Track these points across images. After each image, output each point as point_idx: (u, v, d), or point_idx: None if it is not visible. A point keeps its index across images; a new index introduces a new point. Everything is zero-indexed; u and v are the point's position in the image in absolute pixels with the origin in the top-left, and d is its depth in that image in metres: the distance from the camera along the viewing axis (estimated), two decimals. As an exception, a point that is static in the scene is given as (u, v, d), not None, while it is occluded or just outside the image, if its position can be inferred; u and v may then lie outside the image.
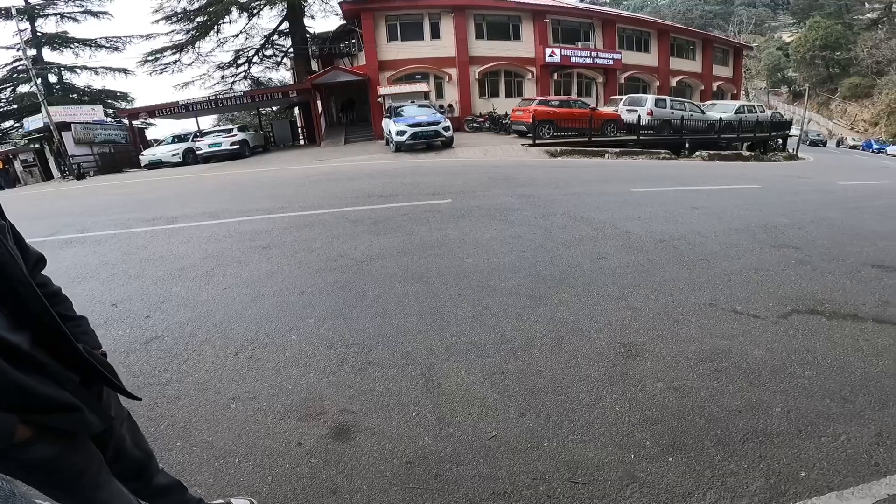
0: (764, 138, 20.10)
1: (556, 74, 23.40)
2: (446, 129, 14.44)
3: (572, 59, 22.73)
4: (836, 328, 3.00)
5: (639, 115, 16.51)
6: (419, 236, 4.99)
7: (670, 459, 1.89)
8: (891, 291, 3.63)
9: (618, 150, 14.99)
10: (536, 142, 15.11)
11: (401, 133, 14.00)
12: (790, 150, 21.08)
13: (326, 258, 4.37)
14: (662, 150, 15.66)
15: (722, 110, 19.19)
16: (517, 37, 22.54)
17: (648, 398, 2.28)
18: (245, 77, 28.58)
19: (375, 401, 2.30)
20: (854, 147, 35.74)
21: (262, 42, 27.12)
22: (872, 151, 31.81)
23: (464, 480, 1.81)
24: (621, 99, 18.58)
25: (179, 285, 3.84)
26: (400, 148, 14.25)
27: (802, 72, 48.54)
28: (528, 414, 2.17)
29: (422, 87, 20.12)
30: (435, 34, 21.46)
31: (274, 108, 29.87)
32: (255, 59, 27.99)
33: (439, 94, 21.92)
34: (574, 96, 22.17)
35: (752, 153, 18.30)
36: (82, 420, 0.99)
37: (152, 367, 2.65)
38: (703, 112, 18.75)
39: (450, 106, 21.74)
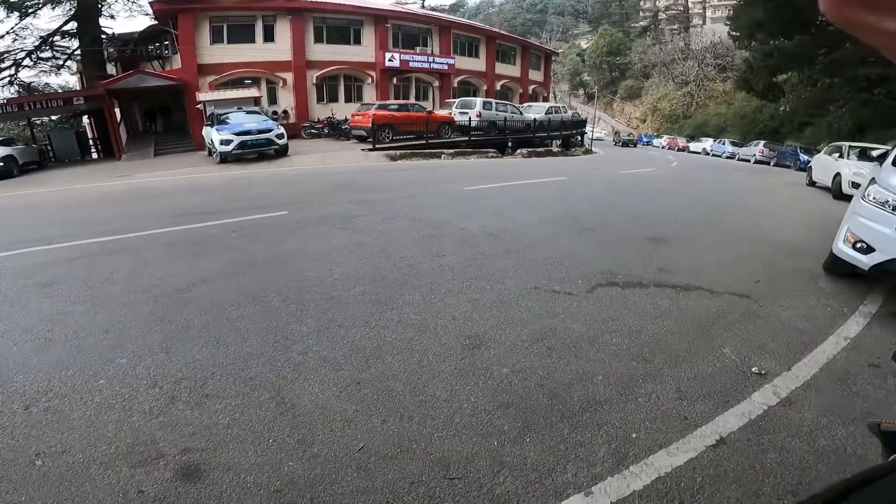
0: (567, 136, 23.33)
1: (395, 79, 23.80)
2: (280, 136, 13.60)
3: (411, 64, 23.40)
4: (629, 296, 3.58)
5: (469, 118, 17.65)
6: (251, 254, 4.54)
7: (528, 440, 1.99)
8: (663, 259, 4.51)
9: (452, 151, 15.93)
10: (376, 146, 15.18)
11: (226, 142, 12.72)
12: (587, 146, 25.00)
13: (134, 289, 3.67)
14: (491, 150, 17.14)
15: (536, 111, 21.49)
16: (358, 41, 22.34)
17: (497, 384, 2.40)
18: (11, 82, 22.67)
19: (222, 434, 2.03)
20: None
21: (37, 43, 21.85)
22: (644, 144, 38.90)
23: (341, 498, 1.71)
24: (454, 102, 19.52)
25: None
26: (226, 159, 12.95)
27: (594, 75, 58.01)
28: (391, 419, 2.13)
29: (251, 92, 18.67)
30: (269, 37, 20.05)
31: (53, 118, 24.29)
32: (27, 61, 22.41)
33: (272, 100, 20.55)
34: (412, 100, 22.75)
35: (561, 149, 21.28)
36: None
37: None
38: (521, 113, 20.77)
39: (284, 112, 20.50)
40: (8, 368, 2.55)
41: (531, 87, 32.94)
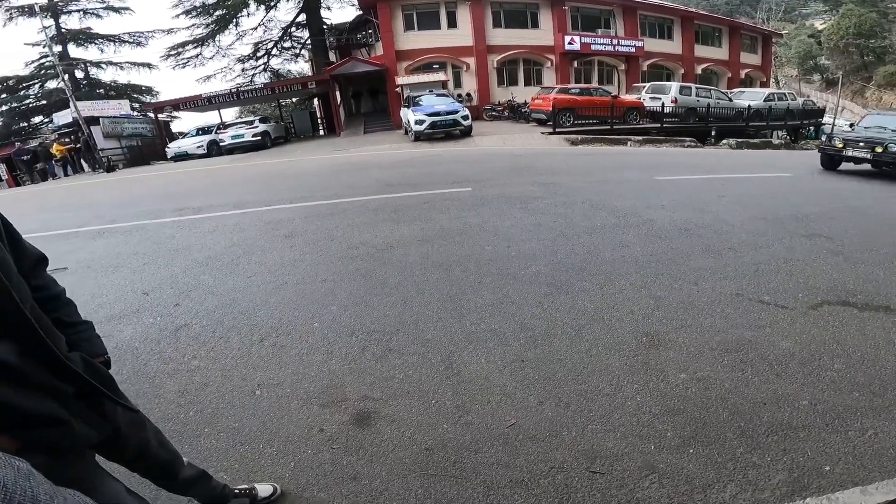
0: (795, 126, 19.39)
1: (576, 62, 22.90)
2: (465, 117, 14.34)
3: (592, 47, 22.18)
4: (867, 320, 2.91)
5: (662, 103, 16.13)
6: (439, 224, 5.00)
7: (691, 451, 1.87)
8: (929, 282, 3.48)
9: (641, 138, 14.66)
10: (556, 130, 14.87)
11: (419, 122, 13.96)
12: (822, 139, 20.20)
13: (348, 246, 4.42)
14: (688, 138, 15.24)
15: (750, 98, 18.53)
16: (535, 24, 22.09)
17: (670, 389, 2.26)
18: (265, 69, 28.78)
19: (396, 388, 2.32)
20: None
21: (280, 34, 27.22)
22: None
23: (482, 468, 1.82)
24: (644, 87, 18.18)
25: (207, 274, 3.94)
26: (419, 137, 14.24)
27: (835, 60, 46.33)
28: (548, 402, 2.17)
29: (439, 76, 19.97)
30: (452, 23, 21.18)
31: (294, 100, 30.05)
32: (274, 51, 28.11)
33: (457, 83, 21.68)
34: (595, 84, 21.68)
35: (786, 141, 17.65)
36: (69, 433, 0.94)
37: (181, 354, 2.73)
38: (730, 100, 18.22)
39: (468, 95, 21.54)
40: (255, 305, 3.29)
41: (744, 72, 28.21)
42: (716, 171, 9.06)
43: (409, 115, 14.70)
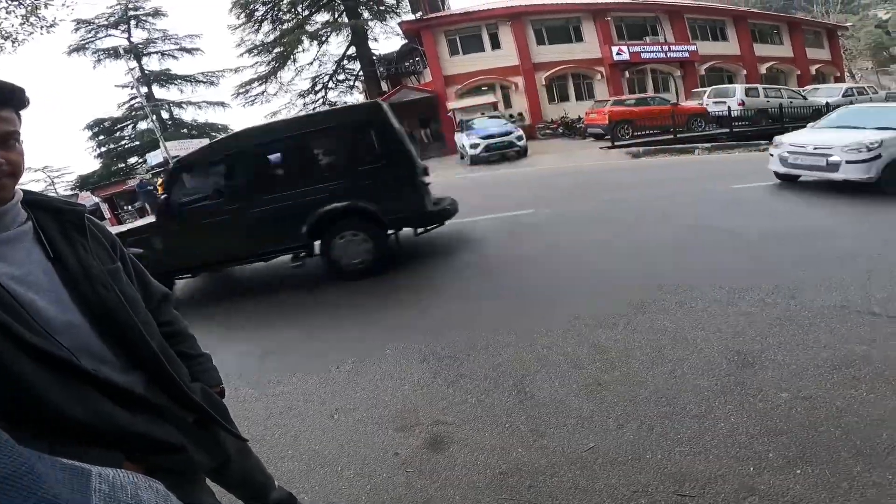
0: (882, 120, 17.76)
1: (627, 72, 22.45)
2: (519, 138, 14.37)
3: (643, 55, 21.76)
4: None
5: (728, 107, 15.33)
6: (508, 248, 5.03)
7: (798, 471, 1.75)
8: None
9: (709, 145, 13.95)
10: (615, 144, 14.53)
11: (475, 146, 14.14)
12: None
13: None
14: (763, 142, 14.33)
15: (827, 94, 17.34)
16: (579, 38, 22.00)
17: (770, 408, 2.12)
18: (324, 102, 30.33)
19: (468, 412, 2.34)
20: None
21: (334, 67, 28.72)
22: None
23: (558, 493, 1.78)
24: (705, 91, 17.44)
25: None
26: (475, 161, 14.38)
27: (911, 48, 42.13)
28: (629, 425, 2.10)
29: (489, 98, 20.22)
30: (495, 44, 21.51)
31: (353, 132, 31.24)
32: (330, 84, 29.64)
33: (507, 104, 21.83)
34: (650, 93, 21.09)
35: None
36: (187, 459, 0.99)
37: (267, 380, 2.96)
38: (804, 98, 17.06)
39: (520, 115, 21.61)
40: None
41: (814, 68, 26.52)
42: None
43: (463, 140, 14.96)
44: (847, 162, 5.80)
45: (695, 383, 2.37)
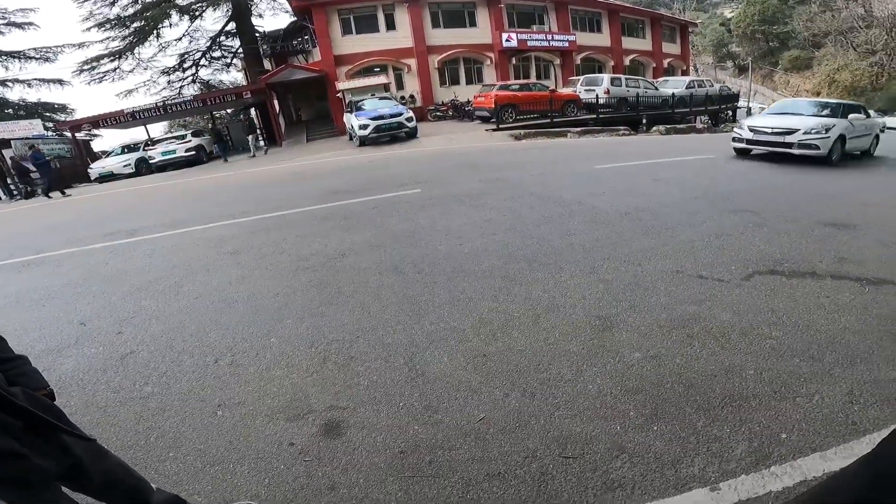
0: (715, 111, 20.81)
1: (514, 59, 23.46)
2: (409, 119, 14.33)
3: (529, 43, 22.82)
4: (796, 287, 3.16)
5: (596, 95, 16.75)
6: (390, 228, 4.97)
7: (655, 428, 1.93)
8: (845, 248, 3.85)
9: (580, 129, 15.24)
10: (500, 126, 15.19)
11: (363, 127, 13.81)
12: (740, 122, 21.86)
13: (298, 258, 4.30)
14: (622, 127, 16.01)
15: (674, 86, 19.67)
16: (473, 23, 22.42)
17: (627, 369, 2.33)
18: (194, 80, 27.38)
19: (362, 395, 2.30)
20: None
21: (208, 44, 26.02)
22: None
23: (457, 465, 1.83)
24: (579, 80, 18.74)
25: (148, 298, 3.70)
26: (364, 142, 14.09)
27: (745, 46, 50.08)
28: (513, 394, 2.20)
29: (381, 79, 19.79)
30: (390, 25, 21.09)
31: (228, 111, 28.78)
32: (203, 61, 26.83)
33: (399, 86, 21.60)
34: (533, 79, 22.29)
35: (708, 126, 18.96)
36: (29, 467, 0.95)
37: (132, 382, 2.57)
38: (656, 88, 19.18)
39: (411, 97, 21.51)
40: (205, 325, 3.15)
41: (666, 61, 30.10)
42: (649, 156, 9.58)
43: (352, 121, 14.51)
44: (801, 143, 8.17)
45: (566, 348, 2.55)
